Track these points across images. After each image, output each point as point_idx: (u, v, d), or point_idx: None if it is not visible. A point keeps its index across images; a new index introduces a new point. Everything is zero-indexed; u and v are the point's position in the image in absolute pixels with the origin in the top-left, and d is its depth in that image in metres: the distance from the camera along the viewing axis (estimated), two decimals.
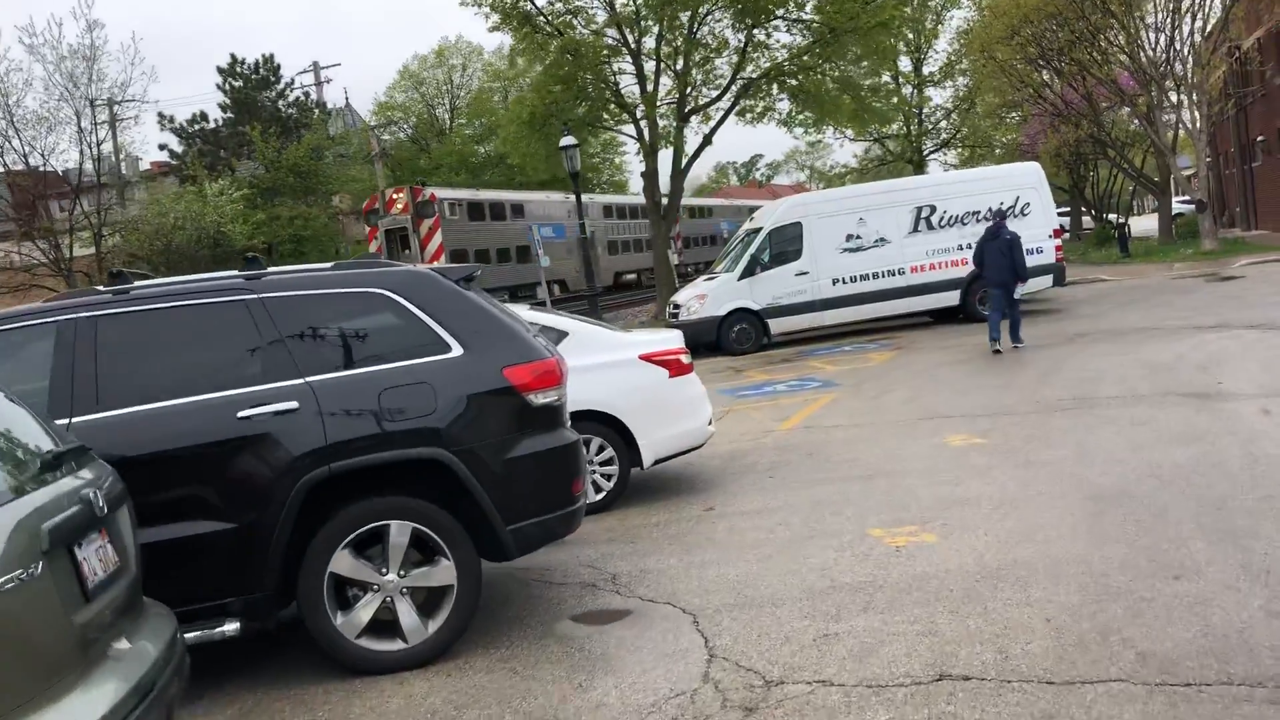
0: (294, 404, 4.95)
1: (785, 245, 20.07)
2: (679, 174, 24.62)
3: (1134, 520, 6.15)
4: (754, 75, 23.99)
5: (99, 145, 34.95)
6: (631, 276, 48.52)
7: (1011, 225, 19.84)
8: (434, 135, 61.14)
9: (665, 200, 25.38)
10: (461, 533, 5.10)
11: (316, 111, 49.05)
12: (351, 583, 5.06)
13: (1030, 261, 19.51)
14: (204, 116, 46.48)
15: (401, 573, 5.06)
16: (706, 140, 24.87)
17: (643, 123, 23.84)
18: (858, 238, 20.01)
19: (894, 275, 20.00)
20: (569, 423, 5.65)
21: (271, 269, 5.45)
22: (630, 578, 6.21)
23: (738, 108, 24.54)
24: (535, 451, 5.25)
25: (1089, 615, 4.77)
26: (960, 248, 20.05)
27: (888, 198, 20.30)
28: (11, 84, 34.01)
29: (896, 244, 20.03)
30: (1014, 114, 42.63)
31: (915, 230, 20.15)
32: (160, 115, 45.15)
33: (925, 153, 43.11)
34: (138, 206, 41.30)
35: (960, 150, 44.50)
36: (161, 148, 46.15)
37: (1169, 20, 29.23)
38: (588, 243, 20.54)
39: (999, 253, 14.91)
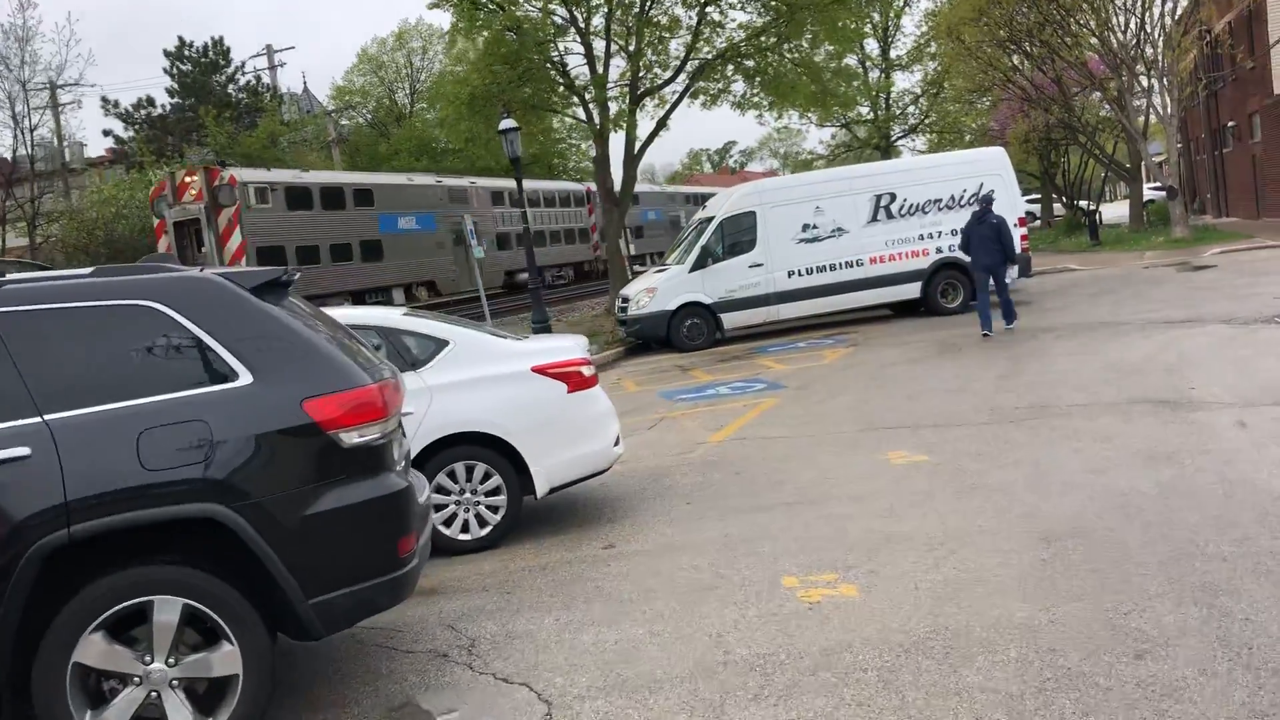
0: (24, 450, 3.88)
1: (739, 235, 19.06)
2: (632, 160, 23.51)
3: (1090, 568, 5.17)
4: (709, 56, 22.90)
5: (32, 131, 33.56)
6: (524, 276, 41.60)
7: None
8: (394, 120, 59.74)
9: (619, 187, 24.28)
10: (248, 609, 4.06)
11: (269, 96, 47.58)
12: (106, 674, 4.00)
13: None
14: (150, 101, 45.14)
15: (171, 660, 4.01)
16: (661, 124, 23.78)
17: (592, 106, 22.71)
18: (814, 227, 19.02)
19: (852, 267, 19.03)
20: (400, 464, 4.60)
21: (12, 276, 4.35)
22: (491, 644, 5.17)
23: (691, 90, 23.45)
24: (346, 505, 4.21)
25: (1031, 712, 3.78)
26: (921, 237, 19.15)
27: (845, 185, 19.31)
28: None
29: (855, 234, 19.06)
30: (984, 99, 41.79)
31: (874, 219, 19.18)
32: (104, 100, 43.75)
33: (893, 138, 42.17)
34: (80, 195, 39.91)
35: (929, 136, 43.58)
36: (106, 134, 44.90)
37: (1139, 3, 28.37)
38: (527, 235, 19.41)
39: (986, 237, 15.03)
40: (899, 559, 5.67)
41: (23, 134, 33.72)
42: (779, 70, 22.82)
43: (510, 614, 5.60)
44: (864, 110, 42.15)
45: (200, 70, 45.59)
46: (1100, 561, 5.26)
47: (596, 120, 22.57)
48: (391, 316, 7.09)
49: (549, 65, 22.39)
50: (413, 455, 6.57)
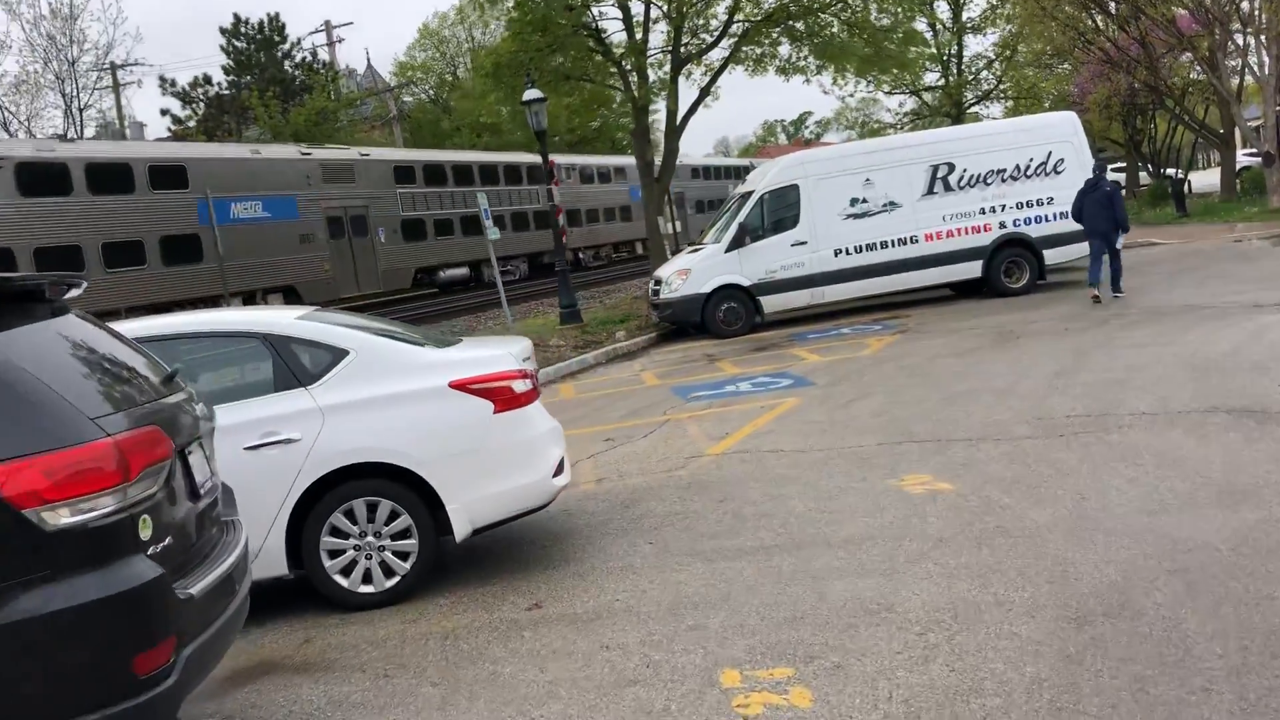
0: None
1: (780, 211, 17.57)
2: (673, 131, 22.05)
3: (1132, 675, 3.78)
4: (756, 18, 21.29)
5: (82, 111, 33.21)
6: (459, 273, 34.12)
7: (1042, 184, 17.41)
8: (456, 95, 58.86)
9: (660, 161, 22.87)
10: None
11: (325, 72, 46.91)
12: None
13: (1065, 226, 17.16)
14: (207, 80, 44.77)
15: None
16: (705, 92, 22.30)
17: (631, 75, 21.31)
18: (863, 201, 17.46)
19: (905, 244, 17.44)
20: (153, 546, 3.37)
21: None
22: None
23: (735, 55, 21.87)
24: (53, 611, 3.01)
25: None
26: (982, 211, 17.49)
27: (899, 155, 17.68)
28: None
29: (909, 208, 17.46)
30: (1062, 63, 39.36)
31: (930, 192, 17.54)
32: (161, 79, 43.58)
33: (965, 105, 39.94)
34: None
35: (1004, 102, 41.26)
36: (164, 113, 44.52)
37: None
38: (554, 213, 18.10)
39: (1098, 204, 15.09)
40: (879, 645, 4.32)
41: (74, 114, 33.44)
42: (830, 32, 21.16)
43: (374, 713, 4.38)
44: (934, 76, 40.04)
45: (255, 47, 45.07)
46: (1147, 662, 3.86)
47: (635, 90, 21.12)
48: (279, 321, 5.88)
49: (583, 31, 21.00)
50: (302, 490, 5.40)
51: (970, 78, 39.92)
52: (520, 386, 5.81)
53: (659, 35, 22.62)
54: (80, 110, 32.90)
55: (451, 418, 5.64)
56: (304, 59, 46.65)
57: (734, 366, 13.44)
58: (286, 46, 46.06)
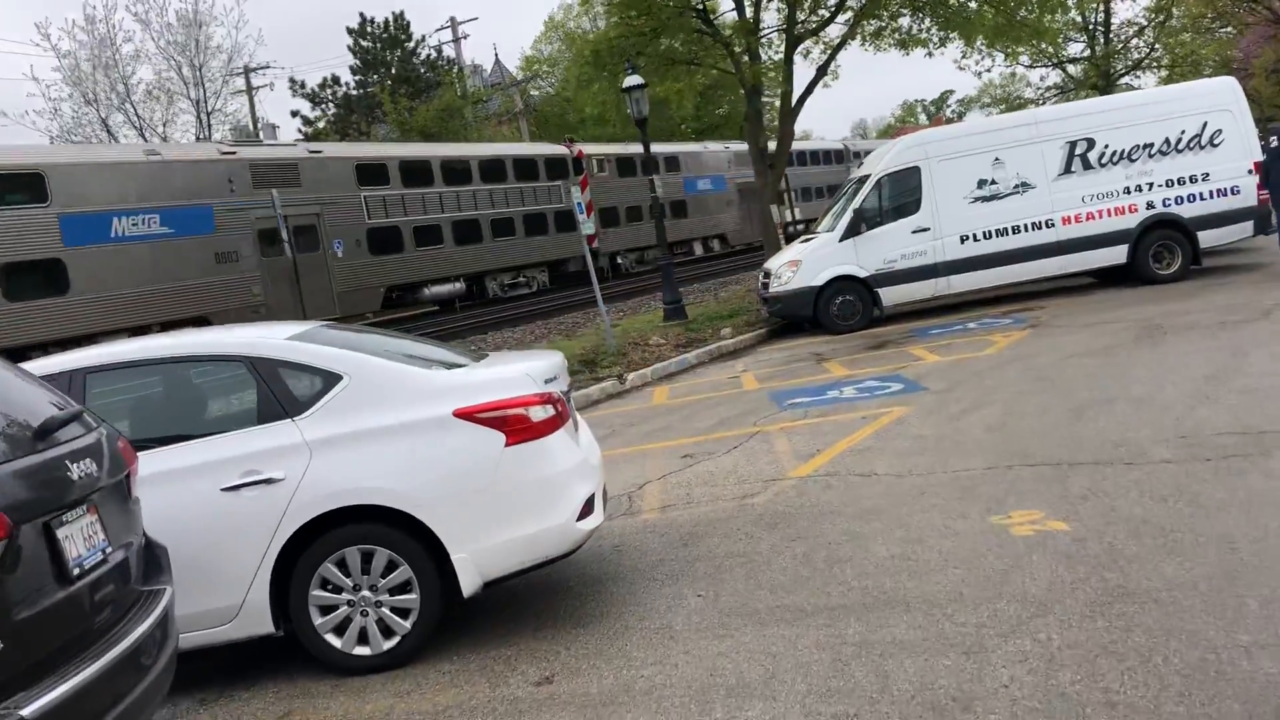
0: None
1: (899, 196, 16.29)
2: (788, 114, 20.84)
3: None
4: None
5: (209, 115, 33.93)
6: (446, 289, 28.85)
7: (1195, 158, 15.72)
8: (573, 87, 58.56)
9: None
10: None
11: (450, 69, 47.11)
12: None
13: (1223, 205, 15.48)
14: (336, 80, 45.44)
15: None
16: (822, 71, 20.97)
17: (742, 56, 20.19)
18: (993, 183, 16.04)
19: (1040, 229, 15.95)
20: None
21: None
22: None
23: (857, 30, 20.52)
24: None
25: None
26: (1127, 190, 15.87)
27: (1031, 131, 16.16)
28: (124, 55, 33.50)
29: (1043, 189, 15.96)
30: (1225, 26, 36.45)
31: (1068, 171, 16.00)
32: (291, 81, 44.36)
33: (1115, 76, 37.28)
34: None
35: (1157, 72, 38.39)
36: (294, 114, 45.39)
37: None
38: (656, 205, 17.19)
39: None
40: None
41: (203, 118, 34.23)
42: (956, 1, 19.64)
43: None
44: (1078, 46, 37.54)
45: (382, 46, 45.55)
46: None
47: (745, 72, 20.00)
48: (267, 341, 5.16)
49: (690, 11, 20.00)
50: (287, 537, 4.69)
51: (1119, 46, 37.21)
52: (539, 413, 4.96)
53: (772, 14, 21.46)
54: (208, 114, 33.55)
55: (456, 452, 4.85)
56: (429, 56, 46.91)
57: (842, 368, 12.34)
58: (411, 44, 46.40)
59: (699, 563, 5.81)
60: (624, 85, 16.71)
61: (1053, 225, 15.94)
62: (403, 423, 4.85)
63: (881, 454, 7.72)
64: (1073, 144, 15.99)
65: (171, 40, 32.01)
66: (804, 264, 16.14)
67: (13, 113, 56.21)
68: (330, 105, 45.14)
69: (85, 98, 30.95)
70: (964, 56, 24.66)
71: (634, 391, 13.10)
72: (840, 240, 16.04)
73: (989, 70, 36.73)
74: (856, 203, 16.08)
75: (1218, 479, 5.85)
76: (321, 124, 44.12)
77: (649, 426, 10.44)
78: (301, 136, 44.95)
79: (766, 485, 7.31)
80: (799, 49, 21.07)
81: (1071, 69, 39.21)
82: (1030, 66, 38.94)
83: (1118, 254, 15.94)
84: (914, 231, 15.98)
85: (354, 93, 45.20)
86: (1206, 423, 7.11)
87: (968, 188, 16.01)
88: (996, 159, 16.02)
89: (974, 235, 15.96)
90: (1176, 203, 15.81)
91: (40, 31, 52.65)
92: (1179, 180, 15.81)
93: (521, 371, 5.10)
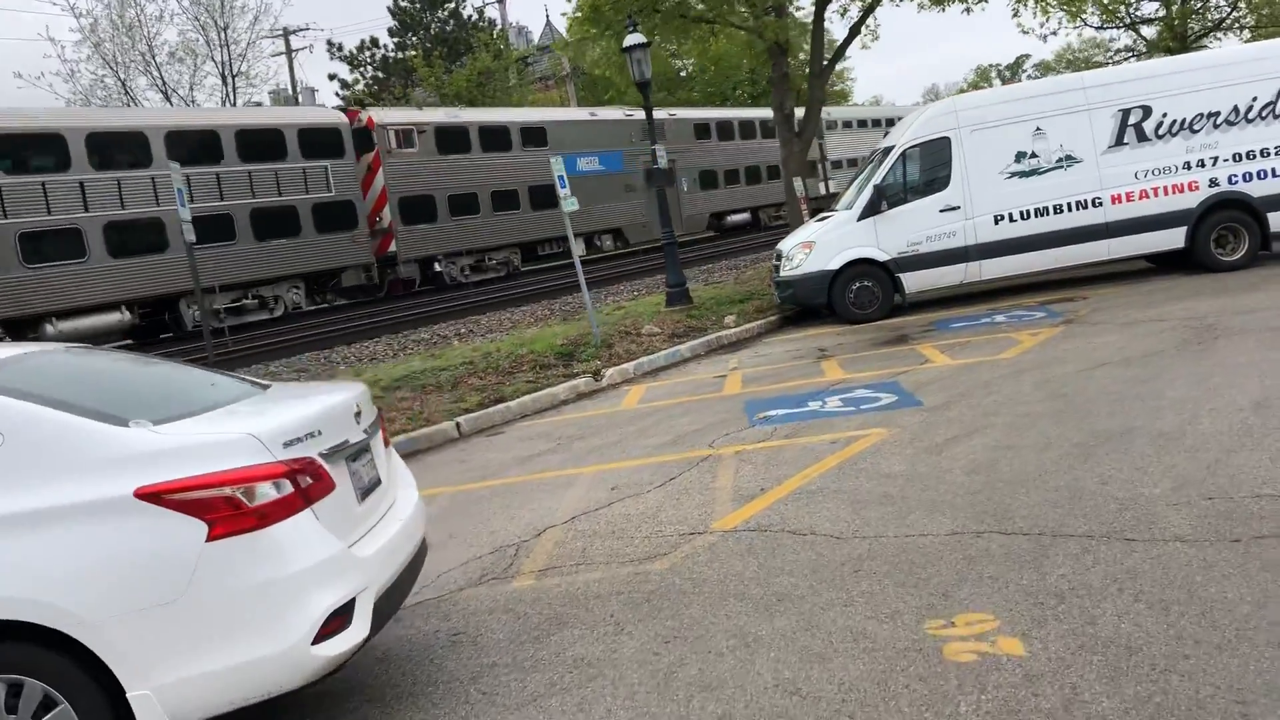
0: None
1: (926, 170, 14.60)
2: (817, 76, 19.08)
3: None
4: None
5: (234, 78, 32.99)
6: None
7: (1270, 129, 13.87)
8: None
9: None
10: None
11: (491, 30, 45.67)
12: None
13: None
14: (374, 43, 44.25)
15: None
16: (854, 31, 19.18)
17: (767, 14, 18.43)
18: (1032, 156, 14.27)
19: (1085, 208, 14.17)
20: None
21: None
22: None
23: None
24: None
25: None
26: (1187, 166, 14.02)
27: (1078, 98, 14.32)
28: (149, 15, 32.66)
29: (1090, 163, 14.16)
30: None
31: (1119, 143, 14.18)
32: (329, 43, 43.28)
33: (1191, 39, 34.61)
34: None
35: (1239, 33, 35.62)
36: (331, 78, 44.35)
37: None
38: (661, 174, 15.50)
39: None
40: None
41: (229, 80, 33.30)
42: None
43: None
44: (1153, 5, 34.93)
45: (421, 6, 44.24)
46: None
47: (768, 30, 18.24)
48: None
49: None
50: None
51: (1197, 4, 34.53)
52: (266, 493, 3.58)
53: None
54: (233, 77, 32.57)
55: (137, 549, 3.49)
56: (470, 18, 45.51)
57: (840, 369, 10.80)
58: (452, 4, 44.99)
59: (532, 676, 4.40)
60: (624, 44, 15.16)
61: (1100, 204, 14.14)
62: (63, 505, 3.49)
63: (833, 500, 6.22)
64: (1126, 112, 14.15)
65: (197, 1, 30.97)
66: (818, 245, 14.54)
67: (28, 75, 55.95)
68: (369, 68, 44.00)
69: (105, 59, 30.06)
70: (1015, 16, 22.58)
71: (608, 391, 11.70)
72: (859, 219, 14.40)
73: (1054, 34, 34.27)
74: (877, 178, 14.41)
75: (1245, 574, 4.30)
76: (359, 87, 43.02)
77: (599, 440, 9.05)
78: (339, 101, 43.97)
79: (681, 541, 5.87)
80: (833, 6, 19.28)
81: (1147, 31, 36.59)
82: (1100, 28, 36.55)
83: (1175, 237, 14.11)
84: (942, 210, 14.28)
85: (392, 55, 44.00)
86: (1244, 476, 5.51)
87: (1004, 161, 14.26)
88: (1037, 129, 14.24)
89: (1010, 215, 14.22)
90: (1244, 180, 13.94)
91: None
92: (1248, 154, 13.94)
93: (244, 432, 3.70)
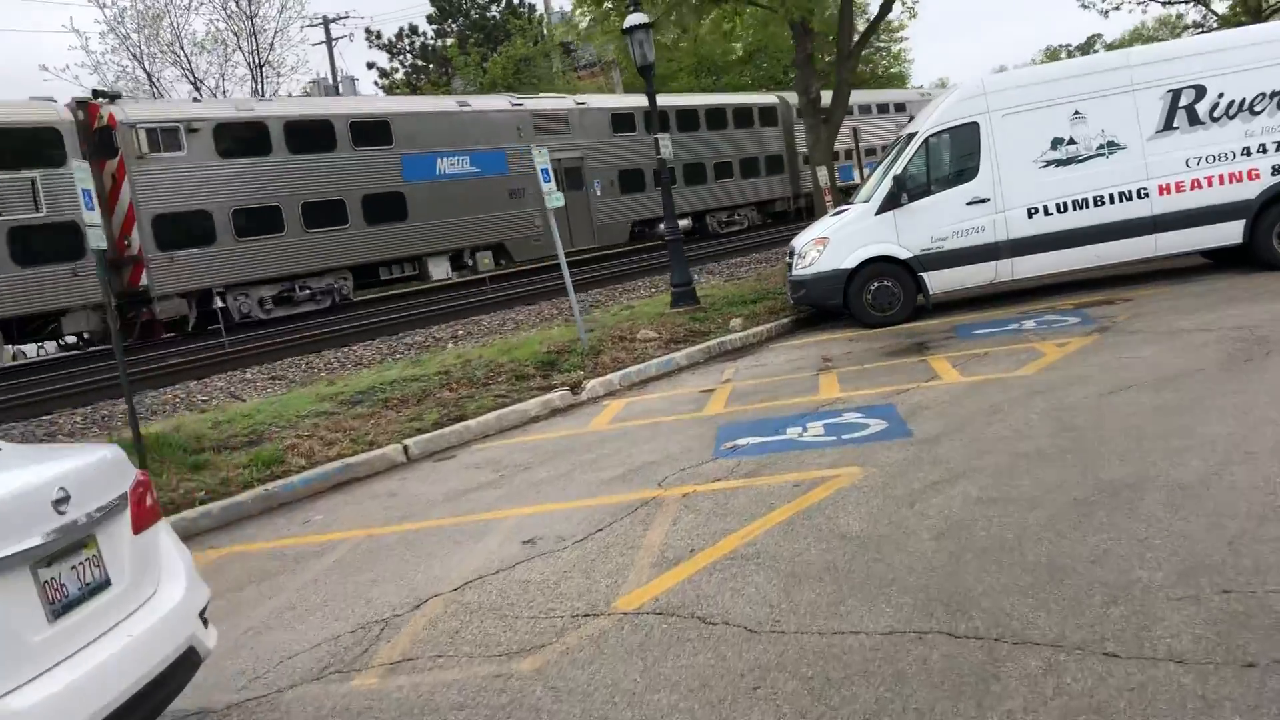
0: None
1: (952, 158, 13.34)
2: (845, 58, 17.76)
3: None
4: None
5: (260, 67, 32.42)
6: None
7: None
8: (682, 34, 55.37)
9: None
10: None
11: (531, 15, 44.69)
12: None
13: None
14: (414, 29, 43.59)
15: None
16: (886, 8, 17.82)
17: None
18: (1070, 143, 12.91)
19: (1130, 200, 12.80)
20: None
21: None
22: None
23: None
24: None
25: None
26: (1246, 152, 12.59)
27: (1124, 77, 12.91)
28: (177, 5, 32.21)
29: (1135, 150, 12.78)
30: None
31: (1168, 127, 12.77)
32: (368, 31, 42.62)
33: (1266, 13, 32.44)
34: None
35: None
36: (370, 66, 43.79)
37: None
38: (663, 168, 14.29)
39: None
40: None
41: (258, 70, 32.76)
42: None
43: None
44: None
45: None
46: None
47: (793, 7, 16.97)
48: None
49: None
50: None
51: None
52: None
53: None
54: (260, 66, 32.00)
55: None
56: (509, 3, 44.56)
57: (837, 385, 9.64)
58: None
59: None
60: (625, 25, 14.05)
61: (1147, 195, 12.75)
62: None
63: (767, 570, 5.12)
64: (1176, 93, 12.73)
65: None
66: (832, 242, 13.33)
67: (53, 67, 55.92)
68: (408, 56, 43.32)
69: (131, 52, 29.62)
70: None
71: (586, 406, 10.66)
72: (877, 213, 13.16)
73: (1115, 9, 32.32)
74: (897, 168, 13.15)
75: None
76: (399, 75, 42.37)
77: (547, 471, 8.02)
78: (379, 90, 43.38)
79: (570, 626, 4.81)
80: None
81: (1218, 5, 34.48)
82: (1167, 3, 34.44)
83: (1231, 232, 12.68)
84: (969, 203, 12.99)
85: (431, 43, 43.26)
86: (1274, 559, 4.31)
87: (1039, 149, 12.93)
88: (1076, 112, 12.88)
89: (1045, 208, 12.89)
90: None
91: None
92: None
93: None
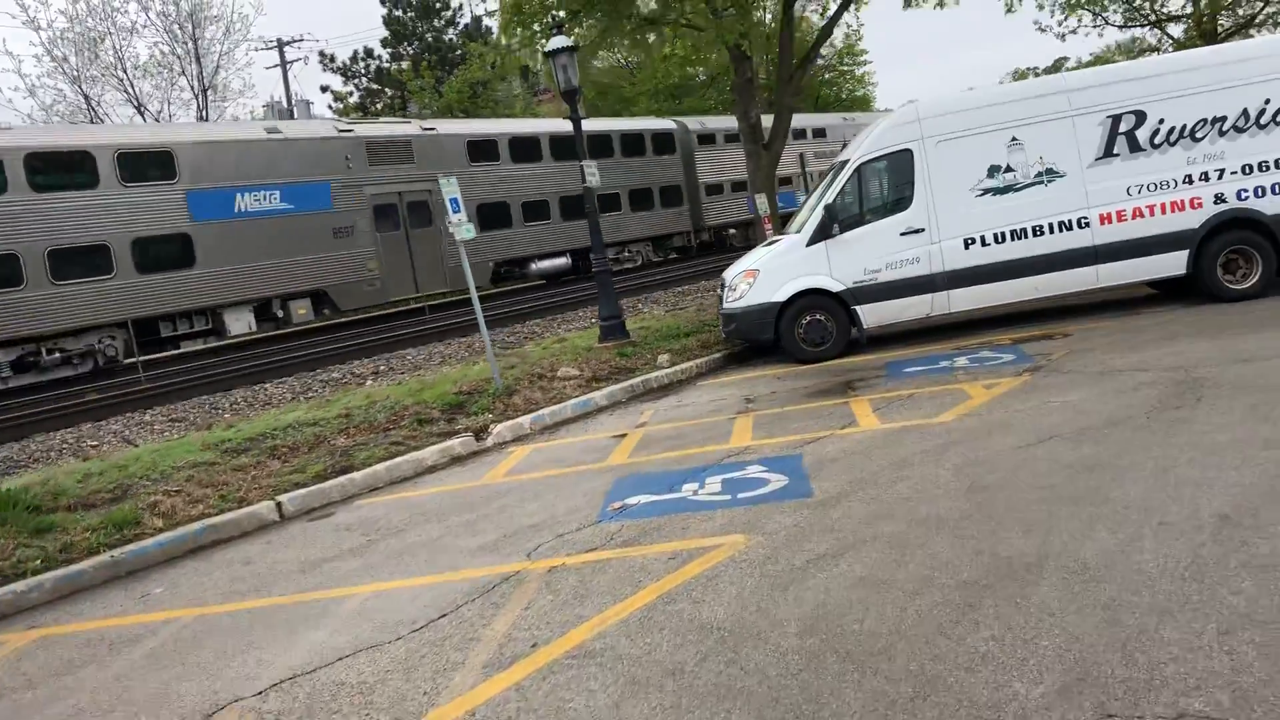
0: None
1: (885, 187, 12.81)
2: (787, 82, 17.24)
3: None
4: None
5: (205, 92, 31.68)
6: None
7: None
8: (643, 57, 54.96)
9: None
10: None
11: (488, 38, 44.14)
12: None
13: None
14: (369, 53, 42.89)
15: None
16: (825, 33, 17.32)
17: (727, 10, 16.59)
18: (1008, 170, 12.39)
19: (1070, 230, 12.28)
20: None
21: None
22: None
23: None
24: None
25: None
26: (1188, 180, 12.10)
27: (1062, 102, 12.41)
28: (119, 27, 31.40)
29: (1075, 178, 12.28)
30: None
31: (1108, 154, 12.28)
32: (321, 54, 41.89)
33: (1221, 37, 32.32)
34: None
35: (1276, 30, 33.26)
36: (324, 90, 43.00)
37: None
38: (589, 197, 13.59)
39: None
40: None
41: (201, 96, 32.02)
42: None
43: None
44: (1180, 1, 32.73)
45: (416, 16, 42.84)
46: None
47: (728, 31, 16.40)
48: None
49: None
50: None
51: (1227, 0, 32.27)
52: None
53: None
54: (204, 91, 31.24)
55: None
56: (466, 26, 44.01)
57: (749, 432, 9.01)
58: (449, 14, 43.54)
59: None
60: (548, 49, 13.45)
61: (1087, 225, 12.24)
62: None
63: (609, 673, 4.45)
64: (1116, 118, 12.25)
65: (162, 10, 29.68)
66: (762, 274, 12.73)
67: None
68: (363, 79, 42.66)
69: (69, 76, 28.81)
70: (1009, 11, 20.57)
71: (488, 454, 9.97)
72: (808, 244, 12.57)
73: (1072, 32, 32.09)
74: (829, 197, 12.58)
75: None
76: (353, 98, 41.69)
77: (418, 535, 7.33)
78: (332, 113, 42.67)
79: None
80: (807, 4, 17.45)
81: (1174, 30, 34.37)
82: (1124, 26, 34.34)
83: (1175, 262, 12.18)
84: (903, 233, 12.44)
85: (386, 66, 42.61)
86: (1168, 669, 3.70)
87: (975, 177, 12.40)
88: (1014, 139, 12.37)
89: (982, 238, 12.35)
90: (1256, 195, 12.01)
91: (17, 2, 51.00)
92: (1260, 166, 12.02)
93: None
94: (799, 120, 37.22)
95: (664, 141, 34.15)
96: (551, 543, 6.55)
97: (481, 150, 27.97)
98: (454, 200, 11.39)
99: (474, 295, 12.01)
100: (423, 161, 25.53)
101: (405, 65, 39.16)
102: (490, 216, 27.48)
